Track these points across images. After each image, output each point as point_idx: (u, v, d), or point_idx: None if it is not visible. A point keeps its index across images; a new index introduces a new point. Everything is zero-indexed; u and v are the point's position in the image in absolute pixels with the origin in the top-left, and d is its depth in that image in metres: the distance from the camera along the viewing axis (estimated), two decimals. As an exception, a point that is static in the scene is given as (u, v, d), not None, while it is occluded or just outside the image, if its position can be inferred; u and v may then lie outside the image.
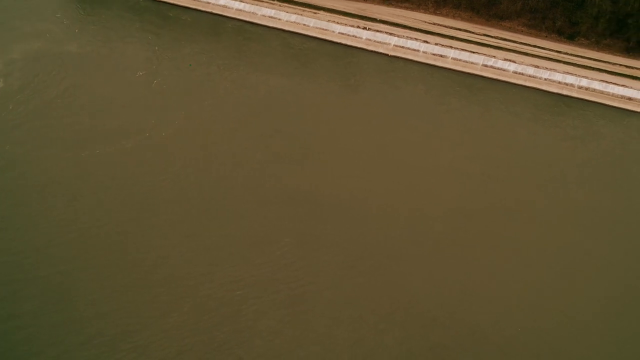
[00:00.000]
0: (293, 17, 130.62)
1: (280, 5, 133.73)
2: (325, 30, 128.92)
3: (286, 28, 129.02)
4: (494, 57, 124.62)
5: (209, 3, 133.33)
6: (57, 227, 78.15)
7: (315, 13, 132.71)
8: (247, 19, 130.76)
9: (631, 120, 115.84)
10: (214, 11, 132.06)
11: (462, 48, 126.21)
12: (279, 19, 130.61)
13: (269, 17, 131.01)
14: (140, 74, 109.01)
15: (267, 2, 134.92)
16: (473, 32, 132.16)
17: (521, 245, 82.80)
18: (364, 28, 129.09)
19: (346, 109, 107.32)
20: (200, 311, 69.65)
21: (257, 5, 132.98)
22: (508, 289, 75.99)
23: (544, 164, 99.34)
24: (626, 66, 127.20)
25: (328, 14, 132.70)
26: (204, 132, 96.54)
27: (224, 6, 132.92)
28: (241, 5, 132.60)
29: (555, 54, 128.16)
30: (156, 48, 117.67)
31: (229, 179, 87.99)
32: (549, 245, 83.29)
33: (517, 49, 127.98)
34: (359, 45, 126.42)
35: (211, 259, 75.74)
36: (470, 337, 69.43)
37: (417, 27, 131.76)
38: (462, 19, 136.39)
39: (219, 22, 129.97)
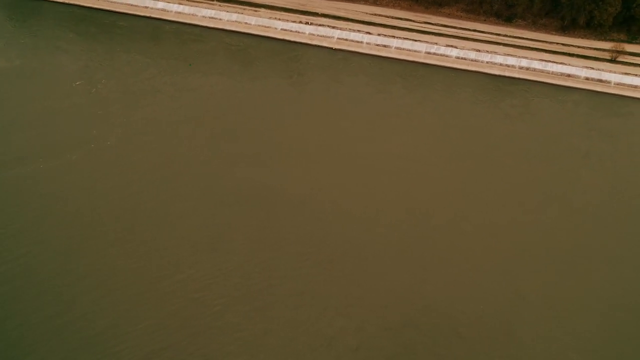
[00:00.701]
0: (234, 17, 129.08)
1: (220, 6, 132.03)
2: (268, 27, 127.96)
3: (227, 28, 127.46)
4: (436, 44, 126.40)
5: (147, 7, 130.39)
6: (2, 245, 74.35)
7: (256, 11, 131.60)
8: (188, 21, 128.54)
9: (571, 96, 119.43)
10: (153, 15, 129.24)
11: (405, 37, 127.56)
12: (220, 19, 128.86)
13: (210, 17, 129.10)
14: (78, 83, 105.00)
15: (206, 3, 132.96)
16: (414, 21, 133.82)
17: (469, 227, 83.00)
18: (307, 23, 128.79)
19: (292, 105, 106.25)
20: (161, 316, 67.40)
21: (196, 6, 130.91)
22: (457, 272, 76.18)
23: (486, 145, 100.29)
24: (563, 44, 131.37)
25: (269, 11, 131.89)
26: (148, 138, 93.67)
27: (163, 10, 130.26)
28: (180, 8, 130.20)
29: (495, 36, 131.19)
30: (92, 56, 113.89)
31: (179, 182, 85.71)
32: (496, 224, 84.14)
33: (458, 35, 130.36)
34: (302, 41, 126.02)
35: (168, 263, 73.47)
36: (422, 317, 70.03)
37: (359, 19, 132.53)
38: (402, 8, 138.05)
39: (157, 26, 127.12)
